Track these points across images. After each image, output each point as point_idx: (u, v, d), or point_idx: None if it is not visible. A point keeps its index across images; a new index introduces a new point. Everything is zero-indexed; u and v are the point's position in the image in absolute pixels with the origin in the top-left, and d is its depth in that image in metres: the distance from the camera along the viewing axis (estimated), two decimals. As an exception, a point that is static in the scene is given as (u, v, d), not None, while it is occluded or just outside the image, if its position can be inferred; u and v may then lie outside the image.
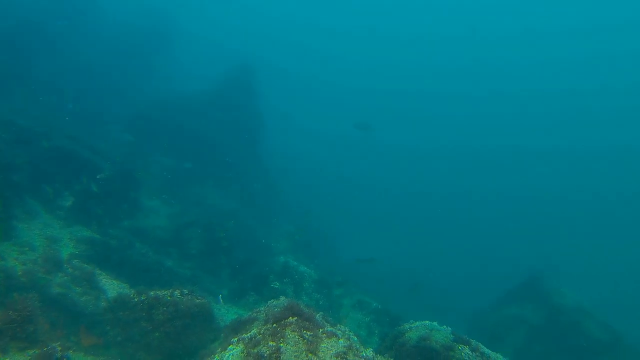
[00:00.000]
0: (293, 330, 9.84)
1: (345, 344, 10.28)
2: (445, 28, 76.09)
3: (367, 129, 37.79)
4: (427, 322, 15.06)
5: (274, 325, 10.19)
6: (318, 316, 11.55)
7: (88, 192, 18.67)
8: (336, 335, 10.53)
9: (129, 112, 27.55)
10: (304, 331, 9.97)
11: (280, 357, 9.06)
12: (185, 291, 12.49)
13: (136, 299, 11.60)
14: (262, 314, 12.89)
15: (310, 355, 9.38)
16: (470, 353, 13.47)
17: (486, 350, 13.80)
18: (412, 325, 14.88)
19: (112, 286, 14.38)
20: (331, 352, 9.76)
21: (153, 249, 18.88)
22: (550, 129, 74.78)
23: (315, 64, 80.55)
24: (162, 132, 26.94)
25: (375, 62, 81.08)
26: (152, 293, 11.67)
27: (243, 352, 9.83)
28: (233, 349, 10.27)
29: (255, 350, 9.58)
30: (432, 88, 79.92)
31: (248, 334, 10.67)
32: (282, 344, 9.33)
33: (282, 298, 13.58)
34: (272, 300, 13.80)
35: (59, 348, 9.02)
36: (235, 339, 10.70)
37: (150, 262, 17.46)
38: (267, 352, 9.22)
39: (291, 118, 38.05)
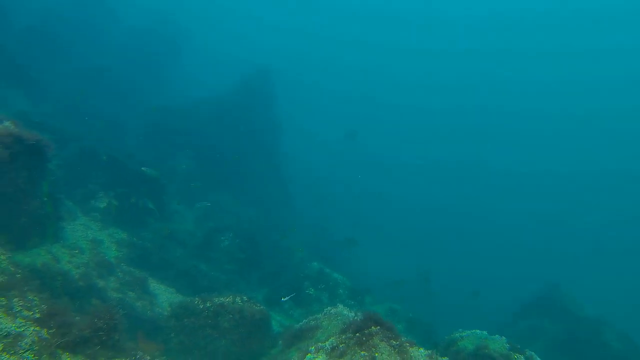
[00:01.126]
0: (381, 340, 9.66)
1: (427, 352, 10.17)
2: (465, 43, 75.39)
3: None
4: (477, 331, 15.06)
5: (357, 334, 9.98)
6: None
7: (121, 194, 18.24)
8: (416, 344, 10.41)
9: (146, 118, 27.09)
10: (391, 340, 9.80)
11: None
12: (245, 298, 12.28)
13: (201, 306, 11.33)
14: (324, 321, 12.70)
15: None
16: (525, 362, 13.49)
17: (538, 358, 13.85)
18: (462, 335, 14.88)
19: (160, 290, 14.09)
20: (419, 360, 9.62)
21: (187, 253, 18.52)
22: (570, 146, 74.69)
23: (331, 75, 79.62)
24: (180, 137, 26.54)
25: (398, 76, 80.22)
26: (216, 300, 11.41)
27: (328, 362, 9.62)
28: (314, 358, 10.05)
29: (345, 359, 9.37)
30: (453, 101, 79.47)
31: (326, 344, 10.45)
32: (376, 354, 9.14)
33: (340, 306, 13.44)
34: (329, 308, 13.63)
35: (148, 357, 8.73)
36: (312, 347, 10.47)
37: (187, 266, 17.13)
38: None
39: (308, 132, 38.09)
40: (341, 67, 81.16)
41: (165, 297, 13.84)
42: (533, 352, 13.79)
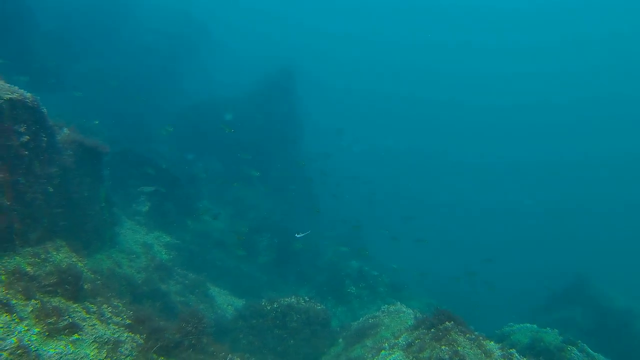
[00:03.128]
0: (457, 334, 9.73)
1: (498, 345, 10.25)
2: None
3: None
4: (528, 324, 15.21)
5: (432, 330, 10.06)
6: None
7: (160, 197, 18.29)
8: (488, 337, 10.52)
9: (173, 114, 27.09)
10: (466, 334, 9.88)
11: (464, 358, 8.95)
12: (307, 298, 12.36)
13: (269, 307, 11.40)
14: (385, 319, 12.78)
15: (485, 357, 9.31)
16: (579, 354, 13.60)
17: (590, 351, 13.97)
18: (513, 328, 15.04)
19: (215, 292, 14.15)
20: (497, 353, 9.69)
21: (226, 253, 18.59)
22: (603, 135, 74.08)
23: (352, 74, 78.86)
24: (207, 136, 26.55)
25: (434, 73, 79.31)
26: (283, 301, 11.47)
27: (408, 357, 9.70)
28: (390, 355, 10.14)
29: (426, 355, 9.44)
30: (477, 99, 78.73)
31: (399, 340, 10.55)
32: (459, 347, 9.20)
33: (398, 304, 13.54)
34: (386, 305, 13.73)
35: (238, 359, 8.81)
36: (386, 344, 10.59)
37: (230, 267, 17.20)
38: (447, 356, 9.08)
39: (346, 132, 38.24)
40: (364, 65, 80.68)
41: (221, 299, 13.92)
42: (585, 345, 13.90)
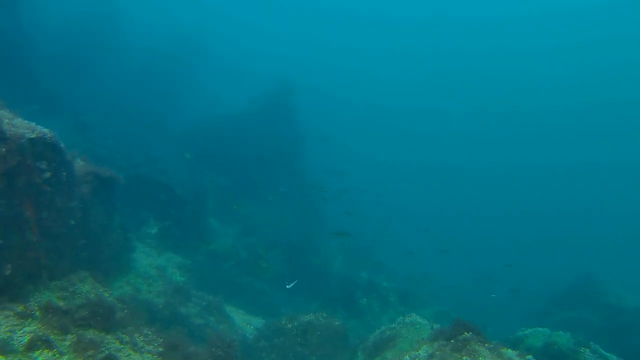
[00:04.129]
0: (477, 344, 9.99)
1: (516, 352, 10.53)
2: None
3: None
4: (539, 328, 15.48)
5: (451, 341, 10.31)
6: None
7: (169, 217, 18.47)
8: (505, 346, 10.81)
9: (177, 132, 27.29)
10: (485, 344, 10.14)
11: None
12: (324, 314, 12.57)
13: (289, 325, 11.60)
14: (402, 330, 13.02)
15: None
16: (592, 355, 13.90)
17: (603, 351, 14.27)
18: (526, 333, 15.31)
19: (232, 312, 14.33)
20: (516, 361, 9.97)
21: (237, 270, 18.77)
22: (606, 136, 74.45)
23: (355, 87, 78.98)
24: (211, 152, 26.76)
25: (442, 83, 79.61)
26: (302, 318, 11.69)
27: (430, 369, 9.95)
28: (412, 367, 10.37)
29: (449, 366, 9.69)
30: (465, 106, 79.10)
31: (420, 352, 10.79)
32: (480, 358, 9.47)
33: (414, 315, 13.77)
34: (402, 317, 13.97)
35: None
36: (407, 357, 10.82)
37: (243, 284, 17.37)
38: None
39: (331, 139, 38.17)
40: (362, 78, 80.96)
41: (239, 318, 14.11)
42: (597, 346, 14.21)
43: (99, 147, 19.40)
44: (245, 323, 13.93)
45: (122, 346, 8.29)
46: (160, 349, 8.58)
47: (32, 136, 8.90)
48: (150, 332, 9.21)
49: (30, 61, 22.98)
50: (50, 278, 9.26)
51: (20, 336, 7.36)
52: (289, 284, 16.30)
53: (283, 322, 11.78)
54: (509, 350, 10.48)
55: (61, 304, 8.48)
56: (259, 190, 26.95)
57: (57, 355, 7.32)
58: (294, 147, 30.14)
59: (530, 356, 10.77)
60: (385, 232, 32.82)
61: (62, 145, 9.87)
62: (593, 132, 76.51)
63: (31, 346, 7.18)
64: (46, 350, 7.29)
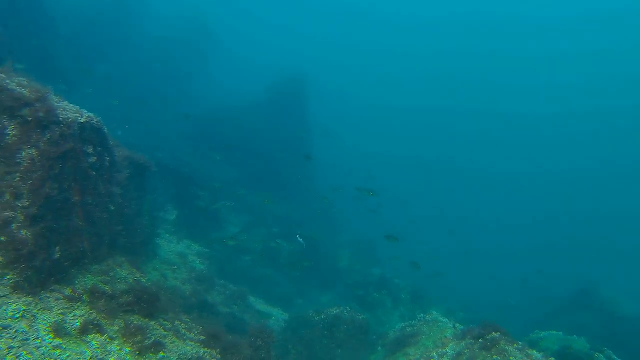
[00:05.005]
0: (506, 344, 10.19)
1: (540, 354, 10.77)
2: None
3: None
4: (554, 332, 15.78)
5: (480, 340, 10.51)
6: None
7: (186, 204, 18.53)
8: (529, 346, 11.06)
9: (179, 127, 27.20)
10: (514, 344, 10.35)
11: None
12: (349, 308, 12.71)
13: (316, 318, 11.73)
14: (423, 327, 13.21)
15: None
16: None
17: (615, 357, 14.57)
18: (540, 336, 15.58)
19: (254, 302, 14.43)
20: (543, 361, 10.19)
21: (252, 260, 18.88)
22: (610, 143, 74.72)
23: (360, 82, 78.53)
24: (219, 143, 26.72)
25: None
26: (329, 311, 11.84)
27: (458, 368, 10.14)
28: (439, 365, 10.57)
29: (478, 366, 9.88)
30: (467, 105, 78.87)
31: (446, 349, 10.99)
32: (510, 358, 9.67)
33: (434, 313, 13.97)
34: (422, 314, 14.16)
35: None
36: (434, 353, 11.01)
37: (259, 275, 17.49)
38: None
39: (336, 135, 37.99)
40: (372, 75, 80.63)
41: (261, 308, 14.23)
42: (610, 351, 14.50)
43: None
44: (266, 314, 14.05)
45: (165, 332, 8.40)
46: (202, 337, 8.70)
47: (82, 120, 8.92)
48: (189, 320, 9.32)
49: (49, 41, 22.79)
50: (90, 262, 9.33)
51: (72, 319, 7.45)
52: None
53: (310, 314, 11.92)
54: (534, 351, 10.71)
55: (106, 288, 8.56)
56: (267, 182, 27.01)
57: (108, 340, 7.41)
58: (302, 139, 30.19)
59: (552, 358, 11.03)
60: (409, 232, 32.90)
61: (105, 130, 9.90)
62: (603, 138, 76.56)
63: (84, 330, 7.28)
64: (98, 335, 7.38)
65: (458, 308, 21.29)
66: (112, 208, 10.09)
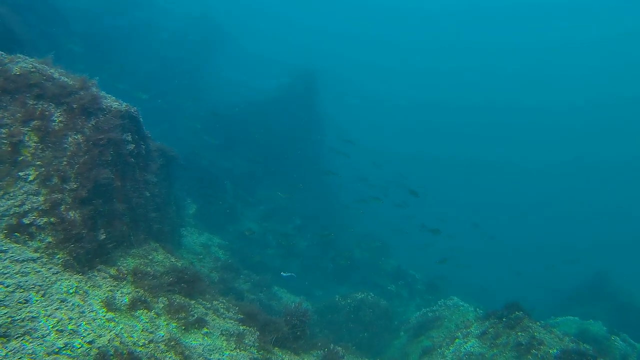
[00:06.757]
0: (530, 322, 10.51)
1: (560, 333, 11.08)
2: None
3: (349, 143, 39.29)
4: (570, 317, 16.09)
5: (504, 319, 10.81)
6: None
7: (205, 198, 18.88)
8: (549, 324, 11.39)
9: (187, 123, 27.55)
10: (537, 323, 10.65)
11: (543, 342, 9.72)
12: (372, 294, 13.02)
13: (343, 302, 12.04)
14: (444, 312, 13.52)
15: (559, 340, 10.11)
16: (622, 343, 14.50)
17: (631, 341, 14.89)
18: (557, 321, 15.88)
19: (278, 291, 14.73)
20: (566, 339, 10.51)
21: (272, 253, 19.20)
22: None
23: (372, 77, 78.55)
24: (236, 136, 27.10)
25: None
26: (356, 295, 12.14)
27: (485, 343, 10.45)
28: (466, 342, 10.87)
29: (502, 341, 10.19)
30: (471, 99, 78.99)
31: (471, 329, 11.30)
32: (535, 333, 9.97)
33: (455, 298, 14.25)
34: (442, 300, 14.46)
35: (339, 348, 9.48)
36: (459, 333, 11.31)
37: (279, 266, 17.79)
38: (525, 340, 9.86)
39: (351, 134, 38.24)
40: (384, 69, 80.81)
41: (284, 296, 14.55)
42: (626, 335, 14.80)
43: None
44: (291, 302, 14.37)
45: (205, 311, 8.73)
46: (240, 316, 9.02)
47: (122, 109, 9.28)
48: (224, 301, 9.65)
49: (61, 37, 23.20)
50: (129, 246, 9.67)
51: (121, 296, 7.78)
52: (285, 273, 16.82)
53: (337, 299, 12.23)
54: (557, 330, 11.03)
55: (148, 269, 8.89)
56: (280, 176, 27.32)
57: (155, 316, 7.75)
58: (313, 134, 30.54)
59: (572, 337, 11.33)
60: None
61: (141, 119, 10.26)
62: (620, 130, 76.20)
63: (133, 306, 7.60)
64: (146, 311, 7.71)
65: (473, 298, 21.54)
66: (148, 194, 10.44)
